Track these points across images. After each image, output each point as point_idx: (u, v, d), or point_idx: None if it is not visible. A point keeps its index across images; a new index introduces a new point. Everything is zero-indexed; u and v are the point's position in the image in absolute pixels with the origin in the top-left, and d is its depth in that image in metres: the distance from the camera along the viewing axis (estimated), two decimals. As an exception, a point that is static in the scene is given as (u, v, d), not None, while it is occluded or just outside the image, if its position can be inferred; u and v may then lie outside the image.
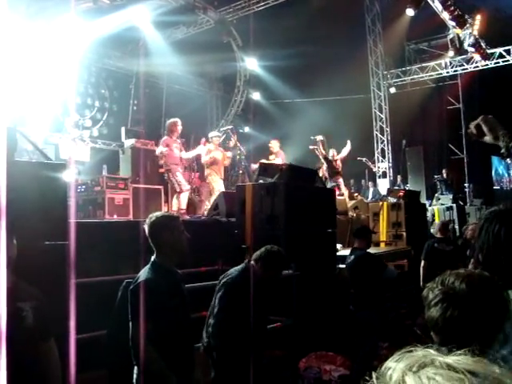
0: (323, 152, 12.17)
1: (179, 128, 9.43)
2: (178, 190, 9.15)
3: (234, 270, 4.26)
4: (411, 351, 0.82)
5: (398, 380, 0.77)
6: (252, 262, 4.19)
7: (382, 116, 18.49)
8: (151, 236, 3.28)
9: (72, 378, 3.05)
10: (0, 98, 6.27)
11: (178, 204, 9.17)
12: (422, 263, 7.51)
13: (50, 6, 12.10)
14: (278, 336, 5.68)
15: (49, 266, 3.56)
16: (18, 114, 10.15)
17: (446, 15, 13.93)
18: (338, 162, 12.49)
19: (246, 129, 17.85)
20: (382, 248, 9.79)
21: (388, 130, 18.42)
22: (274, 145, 11.24)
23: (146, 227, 3.29)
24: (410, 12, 13.89)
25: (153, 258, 3.30)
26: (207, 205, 10.00)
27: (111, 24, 13.05)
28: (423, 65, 17.91)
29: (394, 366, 0.79)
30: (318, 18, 15.20)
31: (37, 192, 3.70)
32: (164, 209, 9.79)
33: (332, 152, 12.49)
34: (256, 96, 18.78)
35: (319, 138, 12.33)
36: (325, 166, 12.36)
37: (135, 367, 3.15)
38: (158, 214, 3.40)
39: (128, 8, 13.31)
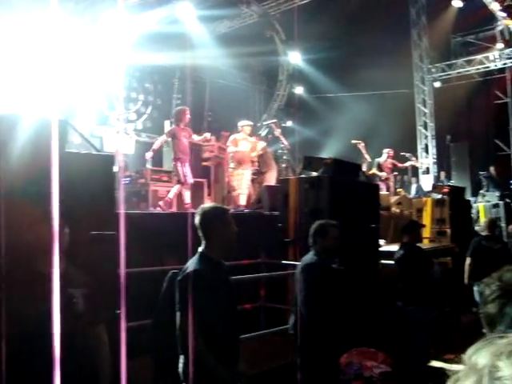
0: (367, 157, 12.07)
1: (187, 117, 9.08)
2: (182, 180, 8.79)
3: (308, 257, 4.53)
4: (490, 340, 0.84)
5: (489, 364, 0.79)
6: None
7: (426, 111, 18.18)
8: (202, 226, 3.28)
9: (123, 363, 3.14)
10: (52, 91, 6.44)
11: (183, 197, 8.92)
12: (468, 260, 7.35)
13: (98, 1, 12.34)
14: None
15: (97, 255, 3.65)
16: (68, 107, 10.38)
17: (495, 6, 13.59)
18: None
19: (289, 123, 17.78)
20: (426, 244, 9.63)
21: (432, 125, 18.10)
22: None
23: (197, 217, 3.30)
24: (457, 3, 13.64)
25: (200, 249, 3.31)
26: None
27: (156, 18, 13.20)
28: (470, 58, 17.48)
29: (480, 352, 0.80)
30: (361, 12, 15.05)
31: (87, 183, 3.79)
32: (207, 201, 9.87)
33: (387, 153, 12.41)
34: (299, 90, 18.73)
35: (359, 143, 12.22)
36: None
37: (181, 356, 3.17)
38: (209, 204, 3.44)
39: (173, 2, 13.46)
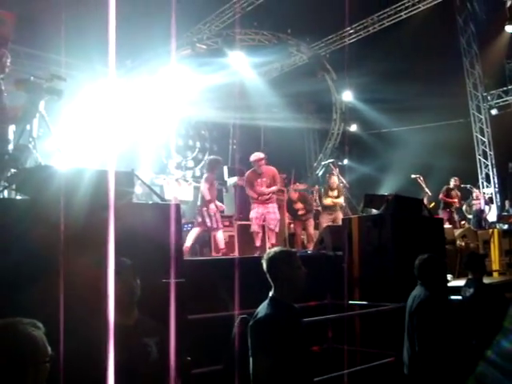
0: (427, 191, 11.97)
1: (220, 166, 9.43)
2: (215, 226, 8.80)
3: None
4: None
5: None
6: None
7: (485, 139, 17.80)
8: (270, 271, 3.33)
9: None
10: (112, 145, 6.71)
11: (217, 243, 8.97)
12: None
13: (152, 56, 12.88)
14: (389, 371, 5.56)
15: (165, 302, 3.72)
16: (130, 159, 10.80)
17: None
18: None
19: (345, 161, 17.79)
20: (496, 278, 9.32)
21: (492, 153, 17.67)
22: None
23: (264, 262, 3.35)
24: (509, 29, 13.46)
25: (271, 293, 3.34)
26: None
27: (208, 68, 13.62)
28: (526, 82, 17.12)
29: None
30: (409, 46, 15.07)
31: (154, 231, 3.90)
32: (267, 245, 9.91)
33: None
34: (353, 127, 18.76)
35: (418, 177, 12.11)
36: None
37: None
38: (276, 249, 3.47)
39: (223, 51, 13.88)
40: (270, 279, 3.33)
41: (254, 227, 9.02)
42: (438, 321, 4.43)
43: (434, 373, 4.34)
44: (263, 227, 9.16)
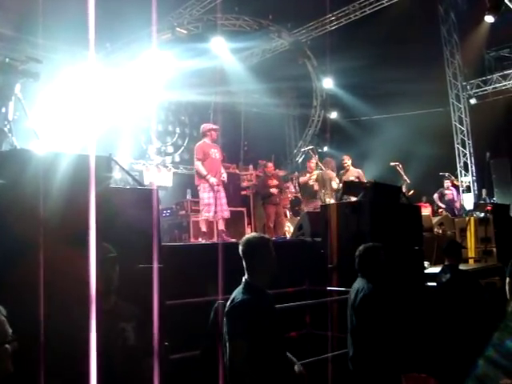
0: (406, 178, 11.98)
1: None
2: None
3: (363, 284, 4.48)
4: None
5: None
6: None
7: (463, 128, 17.96)
8: (246, 256, 3.34)
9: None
10: (91, 129, 6.64)
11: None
12: (508, 280, 7.14)
13: (133, 40, 12.73)
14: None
15: (143, 287, 3.71)
16: (108, 143, 10.68)
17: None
18: None
19: (325, 148, 17.82)
20: (471, 265, 9.45)
21: (470, 142, 17.85)
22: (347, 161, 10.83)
23: (241, 247, 3.36)
24: (489, 19, 13.54)
25: (244, 278, 3.35)
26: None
27: (189, 53, 13.50)
28: (505, 72, 17.25)
29: None
30: (390, 34, 15.09)
31: (132, 217, 3.88)
32: (247, 230, 9.92)
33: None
34: (333, 115, 18.79)
35: (397, 164, 12.14)
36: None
37: None
38: (253, 234, 3.48)
39: (204, 37, 13.76)
40: (244, 263, 3.34)
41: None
42: (383, 315, 4.34)
43: (378, 369, 4.29)
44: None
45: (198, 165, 8.32)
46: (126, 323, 3.18)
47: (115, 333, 3.07)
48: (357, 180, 9.84)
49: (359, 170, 10.75)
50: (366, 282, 4.49)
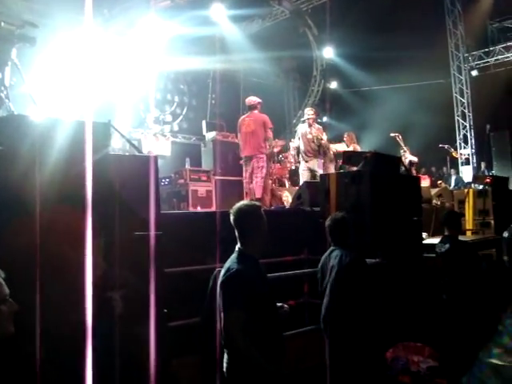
0: (405, 149, 11.88)
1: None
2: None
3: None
4: None
5: None
6: None
7: (464, 101, 17.87)
8: (237, 224, 3.29)
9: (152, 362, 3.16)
10: (89, 96, 6.56)
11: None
12: None
13: (131, 6, 12.52)
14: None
15: (139, 255, 3.69)
16: (106, 111, 10.59)
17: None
18: None
19: (324, 118, 17.70)
20: (469, 236, 9.45)
21: (470, 115, 17.78)
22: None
23: (232, 216, 3.30)
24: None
25: (237, 247, 3.31)
26: None
27: (188, 21, 13.31)
28: (508, 44, 17.06)
29: None
30: (393, 3, 14.88)
31: (131, 184, 3.85)
32: (245, 199, 9.89)
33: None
34: (333, 85, 18.64)
35: (397, 135, 12.03)
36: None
37: (226, 355, 3.19)
38: (244, 202, 3.42)
39: (204, 3, 13.56)
40: (236, 232, 3.30)
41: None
42: (367, 280, 4.56)
43: (352, 328, 4.44)
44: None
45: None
46: (114, 292, 3.17)
47: (100, 303, 3.04)
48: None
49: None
50: (349, 251, 4.62)
